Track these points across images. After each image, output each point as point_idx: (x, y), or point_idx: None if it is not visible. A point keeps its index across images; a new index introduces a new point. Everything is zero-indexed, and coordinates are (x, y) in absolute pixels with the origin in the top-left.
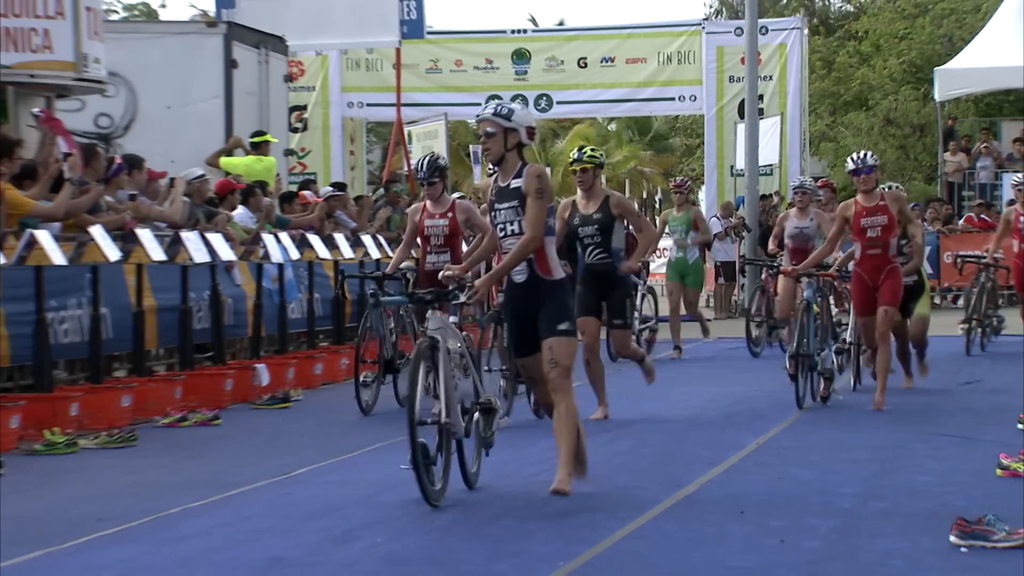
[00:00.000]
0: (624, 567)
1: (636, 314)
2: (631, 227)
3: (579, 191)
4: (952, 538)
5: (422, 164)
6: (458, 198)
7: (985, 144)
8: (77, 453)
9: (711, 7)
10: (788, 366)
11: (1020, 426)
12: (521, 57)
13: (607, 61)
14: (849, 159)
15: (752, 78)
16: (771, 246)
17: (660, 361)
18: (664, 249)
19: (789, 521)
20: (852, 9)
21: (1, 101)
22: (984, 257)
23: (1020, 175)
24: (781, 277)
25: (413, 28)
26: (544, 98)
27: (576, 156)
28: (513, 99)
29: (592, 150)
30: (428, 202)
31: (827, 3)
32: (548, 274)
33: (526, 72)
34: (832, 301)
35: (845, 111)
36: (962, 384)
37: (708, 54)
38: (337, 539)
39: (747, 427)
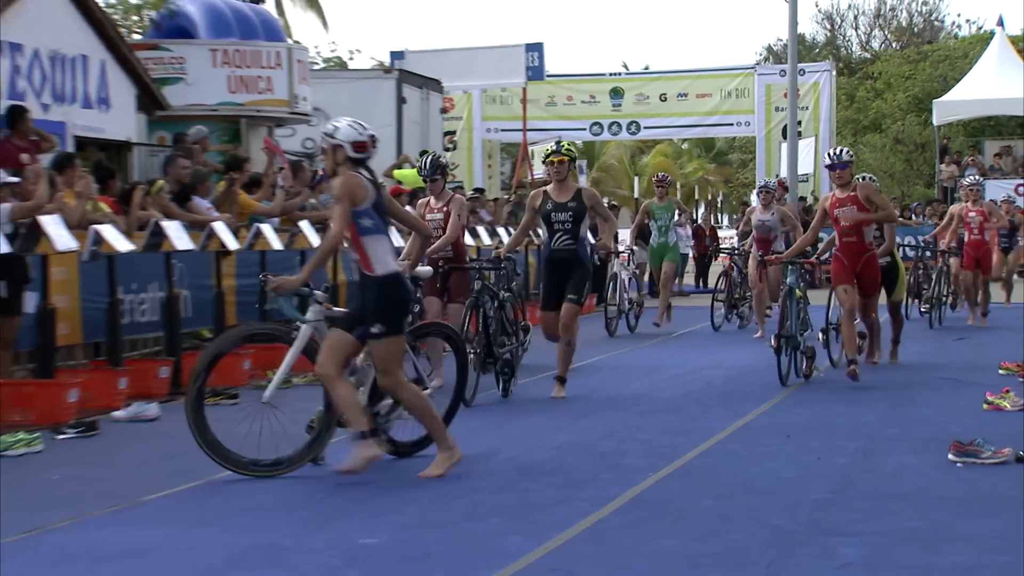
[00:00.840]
0: (699, 477)
1: (627, 294)
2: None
3: (553, 180)
4: (950, 456)
5: (425, 163)
6: (453, 187)
7: (972, 158)
8: (290, 388)
9: (760, 55)
10: (772, 343)
11: (1001, 371)
12: (617, 93)
13: (682, 96)
14: (826, 155)
15: (793, 109)
16: (740, 237)
17: (670, 338)
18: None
19: (824, 442)
20: (869, 56)
21: (236, 129)
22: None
23: (972, 178)
24: (752, 261)
25: (535, 72)
26: (634, 124)
27: (554, 148)
28: (610, 126)
29: (569, 145)
30: (431, 197)
31: (850, 51)
32: (370, 271)
33: (620, 105)
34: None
35: (864, 134)
36: (955, 340)
37: (759, 90)
38: (482, 455)
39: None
